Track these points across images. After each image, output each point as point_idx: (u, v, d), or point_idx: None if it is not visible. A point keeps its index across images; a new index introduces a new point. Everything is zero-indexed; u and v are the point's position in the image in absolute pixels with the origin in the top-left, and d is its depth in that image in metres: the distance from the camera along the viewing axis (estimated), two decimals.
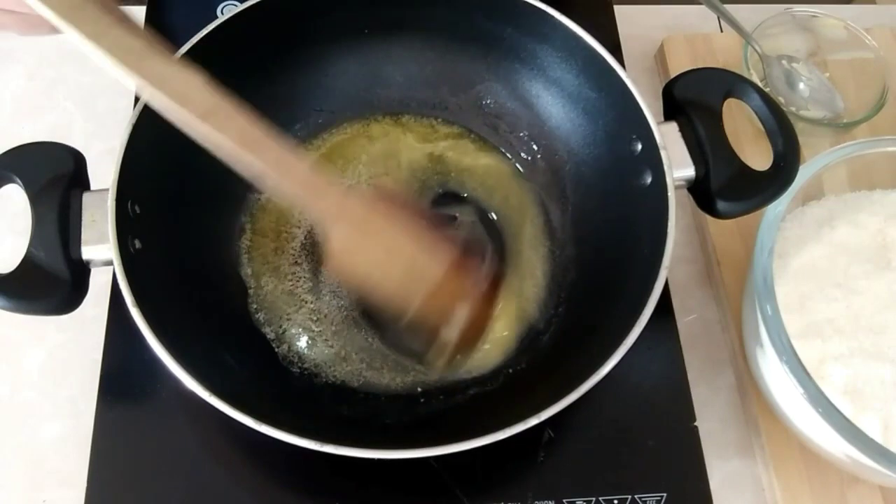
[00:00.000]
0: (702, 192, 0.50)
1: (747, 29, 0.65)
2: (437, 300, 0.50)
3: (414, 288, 0.50)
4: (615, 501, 0.51)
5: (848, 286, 0.51)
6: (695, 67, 0.53)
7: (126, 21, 0.40)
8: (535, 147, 0.61)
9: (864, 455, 0.44)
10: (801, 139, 0.50)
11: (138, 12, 0.67)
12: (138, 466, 0.50)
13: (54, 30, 0.38)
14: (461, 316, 0.50)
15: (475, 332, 0.52)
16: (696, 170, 0.50)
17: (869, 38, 0.66)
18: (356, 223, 0.48)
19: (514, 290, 0.56)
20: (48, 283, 0.44)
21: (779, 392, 0.49)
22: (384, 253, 0.49)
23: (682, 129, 0.51)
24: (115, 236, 0.44)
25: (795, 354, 0.46)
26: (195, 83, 0.41)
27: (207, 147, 0.41)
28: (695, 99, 0.51)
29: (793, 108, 0.65)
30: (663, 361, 0.55)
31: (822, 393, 0.45)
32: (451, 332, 0.51)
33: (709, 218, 0.53)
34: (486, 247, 0.54)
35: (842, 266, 0.52)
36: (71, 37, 0.38)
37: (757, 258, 0.49)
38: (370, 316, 0.55)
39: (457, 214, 0.59)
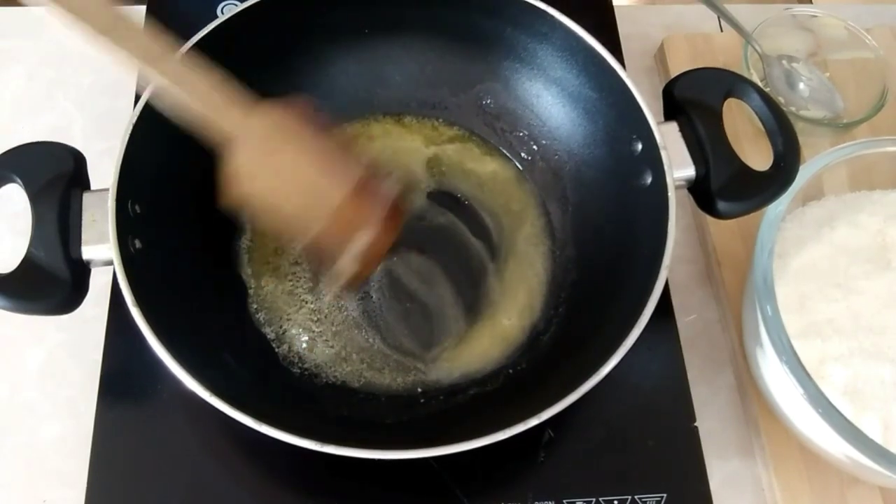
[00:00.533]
0: (702, 192, 0.50)
1: (747, 29, 0.65)
2: (337, 224, 0.48)
3: (314, 211, 0.47)
4: (615, 501, 0.51)
5: (848, 286, 0.51)
6: (695, 67, 0.53)
7: None
8: (534, 147, 0.61)
9: (864, 455, 0.44)
10: (801, 139, 0.50)
11: (138, 12, 0.67)
12: (138, 466, 0.50)
13: None
14: (361, 242, 0.48)
15: (373, 258, 0.50)
16: (697, 170, 0.50)
17: (869, 37, 0.66)
18: (257, 142, 0.46)
19: (518, 289, 0.56)
20: (48, 283, 0.44)
21: (779, 392, 0.50)
22: (284, 174, 0.47)
23: (682, 129, 0.51)
24: (115, 236, 0.44)
25: (795, 354, 0.46)
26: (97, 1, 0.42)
27: (112, 62, 0.42)
28: (695, 99, 0.51)
29: (793, 108, 0.65)
30: (663, 361, 0.55)
31: (821, 393, 0.45)
32: (350, 257, 0.49)
33: (709, 218, 0.53)
34: (390, 172, 0.52)
35: (842, 266, 0.52)
36: None
37: (757, 258, 0.49)
38: (371, 316, 0.55)
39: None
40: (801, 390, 0.45)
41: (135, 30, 0.43)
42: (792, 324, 0.48)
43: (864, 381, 0.48)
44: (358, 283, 0.51)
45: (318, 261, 0.49)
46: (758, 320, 0.48)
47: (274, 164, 0.46)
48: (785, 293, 0.50)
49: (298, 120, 0.47)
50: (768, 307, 0.47)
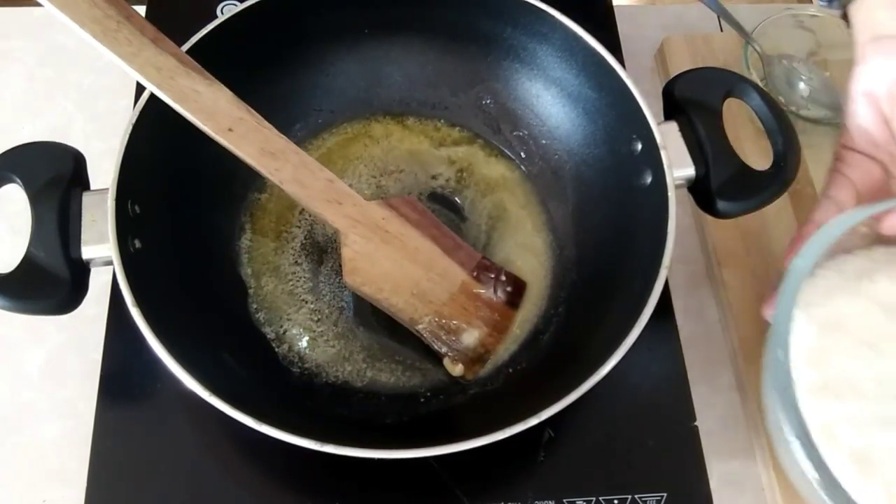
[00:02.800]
0: (702, 192, 0.50)
1: (747, 29, 0.65)
2: (448, 313, 0.50)
3: (426, 299, 0.50)
4: (615, 501, 0.51)
5: (879, 346, 0.45)
6: (695, 67, 0.53)
7: (160, 40, 0.45)
8: (534, 147, 0.61)
9: None
10: (801, 139, 0.50)
11: (138, 11, 0.67)
12: (138, 466, 0.50)
13: None
14: (473, 331, 0.51)
15: (487, 346, 0.52)
16: (696, 169, 0.50)
17: None
18: (374, 228, 0.49)
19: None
20: (48, 283, 0.44)
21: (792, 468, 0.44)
22: (400, 261, 0.50)
23: (682, 129, 0.51)
24: (115, 236, 0.44)
25: (799, 412, 0.41)
26: (220, 99, 0.45)
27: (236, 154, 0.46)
28: (695, 98, 0.51)
29: (793, 108, 0.65)
30: (663, 361, 0.55)
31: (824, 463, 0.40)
32: (462, 345, 0.51)
33: (709, 218, 0.53)
34: (501, 268, 0.55)
35: (876, 323, 0.46)
36: (107, 56, 0.43)
37: (779, 307, 0.44)
38: (373, 315, 0.55)
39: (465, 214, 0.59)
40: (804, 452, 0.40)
41: (261, 133, 0.47)
42: (806, 377, 0.44)
43: (876, 447, 0.43)
44: (482, 363, 0.53)
45: (435, 337, 0.52)
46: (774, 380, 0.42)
47: (391, 250, 0.50)
48: (805, 345, 0.45)
49: (414, 209, 0.52)
50: (780, 351, 0.42)
